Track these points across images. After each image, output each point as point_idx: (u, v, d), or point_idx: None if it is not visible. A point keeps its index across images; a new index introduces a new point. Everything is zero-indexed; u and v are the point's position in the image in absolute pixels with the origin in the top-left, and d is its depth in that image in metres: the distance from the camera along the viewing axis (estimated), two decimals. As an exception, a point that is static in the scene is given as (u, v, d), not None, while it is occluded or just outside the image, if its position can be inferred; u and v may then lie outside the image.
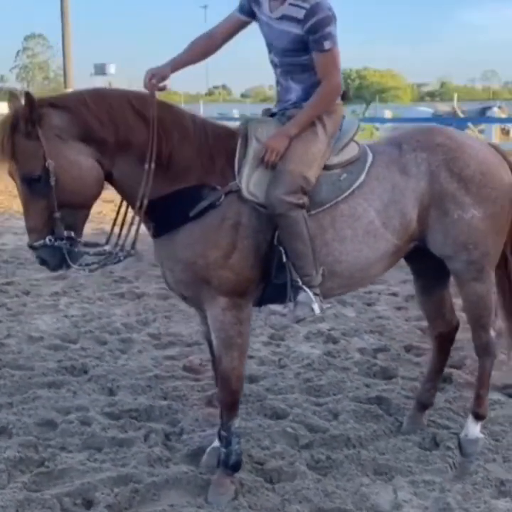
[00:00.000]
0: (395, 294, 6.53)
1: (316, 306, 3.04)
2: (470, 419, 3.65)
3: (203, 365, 4.81)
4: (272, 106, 3.39)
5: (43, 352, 4.99)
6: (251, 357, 4.95)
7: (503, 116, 18.23)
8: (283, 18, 3.05)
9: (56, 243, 2.85)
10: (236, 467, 3.23)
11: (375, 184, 3.19)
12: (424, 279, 3.74)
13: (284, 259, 3.03)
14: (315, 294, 3.06)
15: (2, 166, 2.82)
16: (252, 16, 3.20)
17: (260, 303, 3.28)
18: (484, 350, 3.59)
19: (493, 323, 3.58)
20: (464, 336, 5.25)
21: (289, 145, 3.01)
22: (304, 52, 3.06)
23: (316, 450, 3.60)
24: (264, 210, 3.01)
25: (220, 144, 3.06)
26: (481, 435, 3.63)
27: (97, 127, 2.84)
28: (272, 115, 3.29)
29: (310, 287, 3.06)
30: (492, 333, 3.57)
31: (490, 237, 3.35)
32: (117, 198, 3.22)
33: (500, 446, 3.65)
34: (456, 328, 3.89)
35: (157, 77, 3.03)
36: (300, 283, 3.03)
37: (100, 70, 38.74)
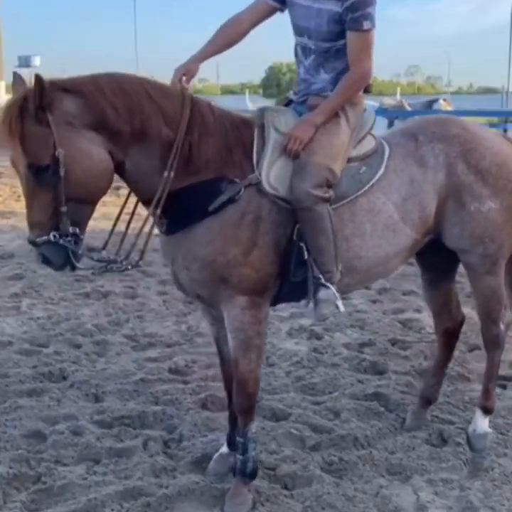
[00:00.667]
0: (367, 287, 6.47)
1: (340, 303, 2.91)
2: (478, 413, 3.61)
3: (189, 366, 4.63)
4: (289, 93, 3.21)
5: (15, 357, 4.70)
6: (236, 356, 4.81)
7: (449, 108, 18.59)
8: None
9: (61, 240, 2.63)
10: (253, 475, 3.08)
11: (393, 177, 3.08)
12: (432, 273, 3.67)
13: (306, 255, 2.89)
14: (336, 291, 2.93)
15: (7, 153, 2.58)
16: (282, 1, 3.03)
17: (275, 301, 3.12)
18: (494, 343, 3.54)
19: (503, 316, 3.54)
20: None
21: (314, 135, 2.86)
22: (343, 35, 2.90)
23: (326, 452, 3.48)
24: (285, 204, 2.86)
25: (238, 135, 2.89)
26: (490, 429, 3.59)
27: (113, 115, 2.62)
28: (288, 104, 3.13)
29: (331, 284, 2.94)
30: (502, 326, 3.53)
31: (505, 230, 3.30)
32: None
33: (508, 439, 3.62)
34: (461, 324, 3.84)
35: (188, 75, 2.90)
36: (322, 280, 2.90)
37: (25, 62, 37.72)
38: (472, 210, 3.20)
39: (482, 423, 3.58)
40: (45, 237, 2.61)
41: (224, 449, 3.38)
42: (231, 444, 3.35)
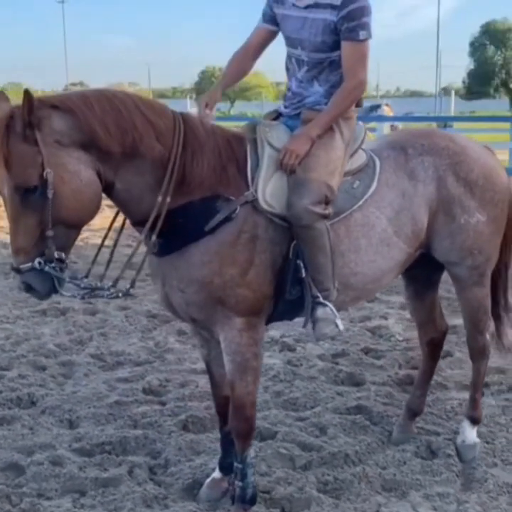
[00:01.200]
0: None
1: (339, 322, 2.86)
2: (466, 423, 3.61)
3: (164, 385, 4.50)
4: (279, 106, 3.14)
5: (-23, 383, 4.46)
6: (210, 372, 4.70)
7: (391, 114, 18.85)
8: (314, 6, 2.82)
9: (46, 267, 2.50)
10: (253, 501, 3.00)
11: (385, 191, 3.04)
12: (417, 285, 3.66)
13: (303, 273, 2.81)
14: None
15: None
16: (277, 23, 3.01)
17: (269, 321, 3.04)
18: (480, 353, 3.55)
19: (489, 326, 3.55)
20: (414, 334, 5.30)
21: (309, 151, 2.80)
22: (336, 46, 2.85)
23: (319, 471, 3.42)
24: (281, 221, 2.78)
25: (231, 151, 2.80)
26: (478, 440, 3.60)
27: (103, 133, 2.50)
28: (277, 117, 3.06)
29: (329, 302, 2.88)
30: (487, 336, 3.55)
31: (492, 242, 3.31)
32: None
33: (495, 448, 3.64)
34: (445, 334, 3.84)
35: (210, 104, 2.88)
36: (320, 298, 2.83)
37: None
38: (462, 223, 3.20)
39: (470, 433, 3.58)
40: (29, 264, 2.48)
41: (216, 473, 3.27)
42: (223, 468, 3.25)
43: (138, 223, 2.76)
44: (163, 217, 2.66)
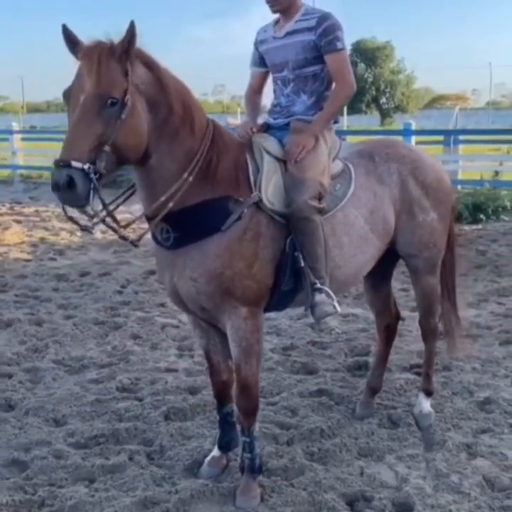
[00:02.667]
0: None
1: (336, 304, 3.27)
2: (421, 396, 4.15)
3: (135, 383, 4.77)
4: (267, 118, 3.59)
5: (-51, 394, 4.54)
6: (175, 370, 5.02)
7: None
8: (292, 33, 3.37)
9: (91, 175, 2.66)
10: (260, 470, 3.37)
11: (360, 193, 3.53)
12: (374, 278, 4.14)
13: (302, 263, 3.22)
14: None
15: (83, 79, 2.71)
16: (266, 64, 3.57)
17: (264, 311, 3.42)
18: (432, 334, 4.10)
19: (439, 310, 4.11)
20: (358, 326, 5.85)
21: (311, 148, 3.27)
22: (317, 60, 3.38)
23: (302, 444, 3.83)
24: (280, 218, 3.19)
25: (239, 156, 3.19)
26: (432, 409, 4.14)
27: (167, 107, 2.90)
28: (267, 130, 3.48)
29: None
30: (437, 318, 4.10)
31: (443, 236, 3.88)
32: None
33: (445, 416, 4.19)
34: (398, 320, 4.36)
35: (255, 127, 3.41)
36: (318, 284, 3.24)
37: None
38: (420, 220, 3.74)
39: (426, 404, 4.12)
40: (80, 164, 2.63)
41: (215, 452, 3.61)
42: (222, 446, 3.60)
43: (153, 216, 3.05)
44: (182, 192, 2.99)
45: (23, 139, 18.83)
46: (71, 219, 2.88)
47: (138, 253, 9.11)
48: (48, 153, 19.26)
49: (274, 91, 3.57)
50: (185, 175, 2.99)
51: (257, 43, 3.57)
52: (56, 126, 49.14)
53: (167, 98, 2.91)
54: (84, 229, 2.89)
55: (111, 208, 2.94)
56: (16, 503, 3.24)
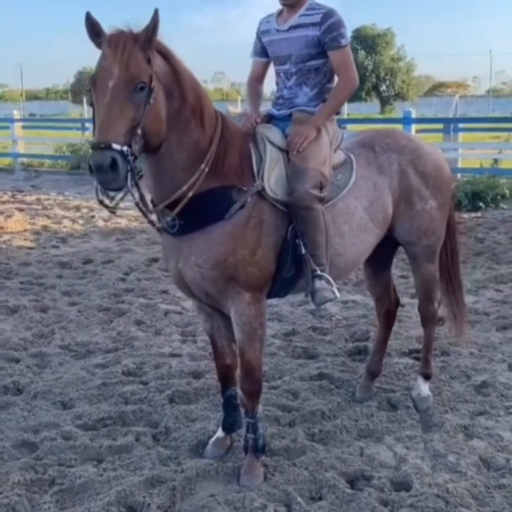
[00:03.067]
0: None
1: (335, 289, 3.37)
2: (420, 379, 4.25)
3: (140, 368, 4.87)
4: (270, 109, 3.66)
5: (-43, 378, 4.65)
6: (179, 355, 5.13)
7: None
8: (296, 27, 3.43)
9: (130, 157, 2.73)
10: (264, 450, 3.47)
11: (361, 183, 3.62)
12: (374, 264, 4.24)
13: (303, 250, 3.31)
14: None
15: (109, 64, 2.76)
16: (267, 54, 3.64)
17: (266, 297, 3.52)
18: (431, 319, 4.21)
19: (438, 296, 4.21)
20: (358, 312, 5.96)
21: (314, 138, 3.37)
22: (320, 55, 3.46)
23: (303, 426, 3.94)
24: (282, 207, 3.28)
25: (243, 146, 3.28)
26: (430, 392, 4.25)
27: (181, 97, 2.99)
28: (270, 120, 3.57)
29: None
30: (436, 304, 4.21)
31: (441, 224, 3.97)
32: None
33: (443, 399, 4.30)
34: (397, 305, 4.47)
35: (258, 117, 3.49)
36: (318, 271, 3.34)
37: None
38: (419, 209, 3.83)
39: (424, 387, 4.23)
40: (119, 146, 2.69)
41: (219, 433, 3.72)
42: (225, 428, 3.71)
43: (159, 203, 3.14)
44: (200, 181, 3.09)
45: (23, 128, 18.86)
46: (101, 202, 2.94)
47: (140, 241, 9.22)
48: (48, 141, 19.37)
49: (277, 83, 3.65)
50: (203, 165, 3.09)
51: (260, 33, 3.64)
52: (54, 114, 49.16)
53: (182, 88, 2.99)
54: (113, 212, 3.01)
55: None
56: (27, 481, 3.35)
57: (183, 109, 3.02)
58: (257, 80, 3.77)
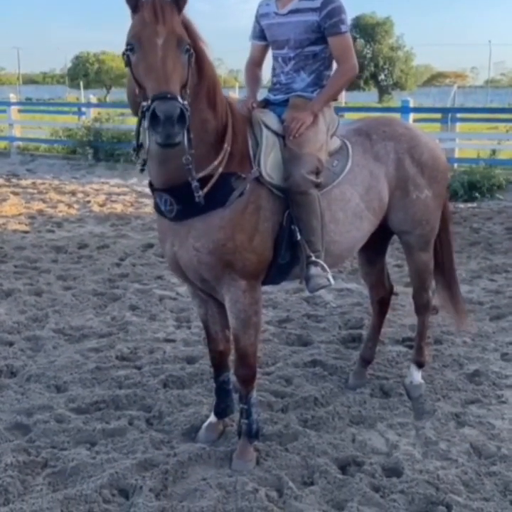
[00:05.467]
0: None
1: (330, 276, 3.37)
2: (413, 367, 4.27)
3: (134, 352, 4.88)
4: (267, 94, 3.65)
5: (-50, 360, 4.65)
6: (173, 340, 5.14)
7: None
8: (296, 11, 3.41)
9: (188, 113, 2.67)
10: (257, 435, 3.49)
11: (357, 171, 3.61)
12: (369, 252, 4.24)
13: (298, 236, 3.30)
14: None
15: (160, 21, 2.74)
16: (266, 37, 3.61)
17: (262, 284, 3.51)
18: (425, 307, 4.22)
19: (432, 285, 4.22)
20: (352, 300, 5.97)
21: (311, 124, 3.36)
22: (318, 41, 3.44)
23: (296, 412, 3.96)
24: (279, 192, 3.27)
25: (243, 131, 3.26)
26: (423, 380, 4.27)
27: (199, 73, 2.96)
28: (266, 105, 3.55)
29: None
30: (430, 293, 4.22)
31: (436, 214, 3.97)
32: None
33: (435, 387, 4.32)
34: (391, 293, 4.47)
35: (254, 103, 3.44)
36: (313, 257, 3.34)
37: None
38: (414, 198, 3.83)
39: (417, 375, 4.25)
40: (180, 100, 2.63)
41: (212, 418, 3.73)
42: (218, 413, 3.72)
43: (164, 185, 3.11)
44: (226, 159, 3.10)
45: (20, 111, 18.77)
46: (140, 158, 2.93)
47: (136, 226, 9.21)
48: (44, 125, 19.27)
49: (274, 68, 3.62)
50: (226, 145, 3.10)
51: (258, 16, 3.62)
52: (51, 98, 48.95)
53: (201, 65, 2.96)
54: (143, 169, 2.99)
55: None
56: (20, 463, 3.36)
57: (199, 85, 2.97)
58: (255, 64, 3.74)
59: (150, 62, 2.68)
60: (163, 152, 2.89)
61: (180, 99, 2.62)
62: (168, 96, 2.58)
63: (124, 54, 2.80)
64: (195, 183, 2.99)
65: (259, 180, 3.23)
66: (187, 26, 2.89)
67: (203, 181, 3.06)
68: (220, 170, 3.08)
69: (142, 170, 3.05)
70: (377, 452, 3.59)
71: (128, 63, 2.79)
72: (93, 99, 19.29)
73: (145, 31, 2.72)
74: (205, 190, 3.05)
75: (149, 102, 2.61)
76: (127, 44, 2.78)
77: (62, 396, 4.14)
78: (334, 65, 3.54)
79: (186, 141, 2.76)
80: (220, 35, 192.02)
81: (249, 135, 3.30)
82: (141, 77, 2.72)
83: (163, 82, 2.62)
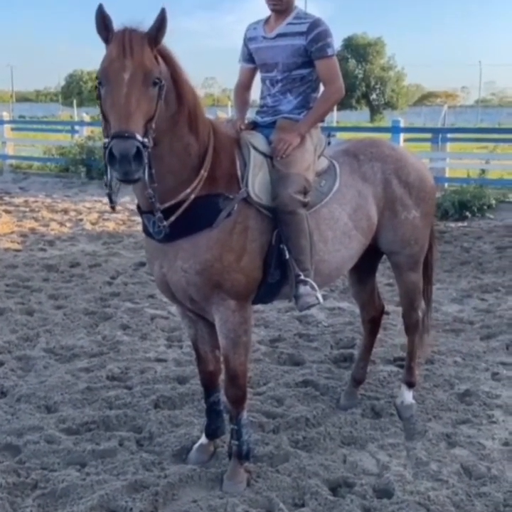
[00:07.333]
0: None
1: (319, 295, 3.39)
2: (404, 387, 4.28)
3: (125, 372, 4.87)
4: (255, 117, 3.69)
5: None
6: (164, 360, 5.13)
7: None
8: (283, 35, 3.46)
9: (149, 150, 2.72)
10: (248, 456, 3.48)
11: (345, 190, 3.64)
12: (359, 272, 4.26)
13: (287, 255, 3.31)
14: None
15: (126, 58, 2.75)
16: (252, 60, 3.67)
17: (252, 303, 3.52)
18: (414, 327, 4.24)
19: (421, 305, 4.24)
20: (344, 319, 5.98)
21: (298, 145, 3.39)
22: (306, 64, 3.50)
23: (287, 432, 3.95)
24: (267, 212, 3.29)
25: (230, 152, 3.29)
26: (414, 400, 4.27)
27: (178, 101, 2.98)
28: (254, 127, 3.59)
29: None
30: (420, 313, 4.24)
31: (424, 234, 4.00)
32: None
33: (426, 407, 4.32)
34: (382, 313, 4.49)
35: (243, 125, 3.52)
36: (302, 276, 3.35)
37: None
38: (402, 218, 3.86)
39: (408, 395, 4.26)
40: (140, 137, 2.66)
41: (203, 439, 3.73)
42: (209, 434, 3.71)
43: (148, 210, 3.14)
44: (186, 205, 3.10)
45: (13, 129, 18.80)
46: (110, 196, 2.94)
47: (128, 244, 9.21)
48: (37, 143, 19.32)
49: (262, 91, 3.67)
50: (202, 171, 3.12)
51: (246, 40, 3.67)
52: (45, 116, 49.06)
53: (180, 92, 2.98)
54: (114, 207, 3.00)
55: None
56: (9, 485, 3.34)
57: (179, 113, 3.01)
58: (244, 87, 3.80)
59: (114, 98, 2.72)
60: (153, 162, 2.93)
61: (139, 137, 2.65)
62: (126, 135, 2.63)
63: (96, 87, 2.85)
64: (158, 215, 3.05)
65: (247, 200, 3.25)
66: (164, 55, 2.93)
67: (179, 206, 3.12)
68: (192, 196, 3.10)
69: (113, 207, 3.05)
70: (368, 473, 3.59)
71: (98, 97, 2.84)
72: (86, 118, 19.39)
73: (112, 66, 2.76)
74: (173, 218, 3.09)
75: (109, 139, 2.66)
76: (96, 78, 2.83)
77: (53, 416, 4.13)
78: (321, 88, 3.58)
79: (147, 176, 2.78)
80: (214, 54, 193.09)
81: (237, 156, 3.32)
82: (107, 112, 2.77)
83: (123, 120, 2.66)
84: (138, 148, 2.63)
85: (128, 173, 2.67)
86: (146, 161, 2.70)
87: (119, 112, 2.69)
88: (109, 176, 2.88)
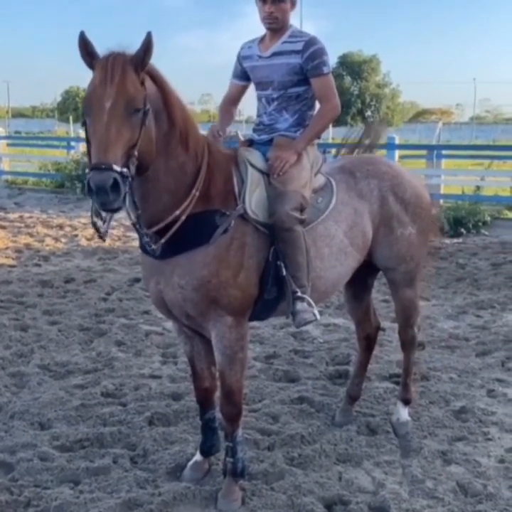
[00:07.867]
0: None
1: (316, 311, 3.39)
2: (399, 404, 4.27)
3: (119, 389, 4.84)
4: (251, 134, 3.70)
5: None
6: (159, 377, 5.11)
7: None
8: (279, 54, 3.48)
9: (129, 179, 2.72)
10: (243, 474, 3.46)
11: (341, 208, 3.65)
12: (355, 288, 4.27)
13: (284, 272, 3.32)
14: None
15: (106, 87, 2.74)
16: (246, 78, 3.69)
17: (248, 320, 3.52)
18: (411, 344, 4.23)
19: (417, 321, 4.24)
20: (339, 335, 5.97)
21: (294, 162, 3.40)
22: (301, 82, 3.51)
23: (282, 450, 3.93)
24: (264, 229, 3.30)
25: (226, 170, 3.30)
26: (410, 418, 4.26)
27: (169, 122, 2.99)
28: (251, 145, 3.60)
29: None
30: (416, 329, 4.23)
31: (420, 250, 4.01)
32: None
33: (422, 424, 4.31)
34: (378, 329, 4.49)
35: (220, 133, 3.55)
36: (299, 293, 3.35)
37: None
38: (398, 235, 3.87)
39: (403, 412, 4.24)
40: (119, 168, 2.66)
41: (198, 456, 3.70)
42: (204, 451, 3.69)
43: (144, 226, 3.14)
44: (179, 222, 3.09)
45: (8, 145, 18.83)
46: (95, 225, 2.94)
47: (123, 260, 9.20)
48: (33, 159, 19.34)
49: (258, 109, 3.68)
50: (194, 190, 3.12)
51: (240, 58, 3.68)
52: (40, 132, 49.14)
53: (170, 112, 2.99)
54: (101, 236, 2.97)
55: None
56: (2, 503, 3.31)
57: (171, 133, 3.02)
58: (231, 101, 3.82)
59: (95, 127, 2.74)
60: (138, 191, 3.00)
61: (116, 168, 2.64)
62: (103, 167, 2.63)
63: (83, 115, 2.86)
64: (145, 239, 3.10)
65: (244, 217, 3.26)
66: (153, 76, 2.94)
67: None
68: (183, 217, 3.10)
69: (101, 237, 3.03)
70: (363, 491, 3.56)
71: (84, 123, 2.87)
72: (82, 134, 19.38)
73: (95, 93, 2.77)
74: (163, 240, 3.11)
75: (89, 170, 2.69)
76: (82, 107, 2.86)
77: (46, 433, 4.10)
78: (317, 105, 3.60)
79: (128, 204, 2.80)
80: (211, 71, 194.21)
81: (234, 173, 3.33)
82: (91, 141, 2.79)
83: (101, 152, 2.66)
84: (115, 179, 2.63)
85: (106, 203, 2.68)
86: (126, 190, 2.70)
87: (98, 142, 2.70)
88: (93, 206, 2.88)
